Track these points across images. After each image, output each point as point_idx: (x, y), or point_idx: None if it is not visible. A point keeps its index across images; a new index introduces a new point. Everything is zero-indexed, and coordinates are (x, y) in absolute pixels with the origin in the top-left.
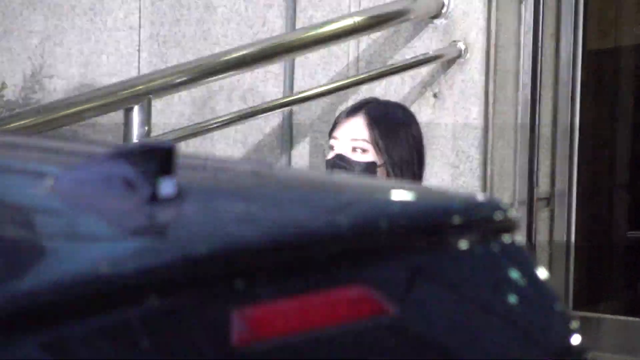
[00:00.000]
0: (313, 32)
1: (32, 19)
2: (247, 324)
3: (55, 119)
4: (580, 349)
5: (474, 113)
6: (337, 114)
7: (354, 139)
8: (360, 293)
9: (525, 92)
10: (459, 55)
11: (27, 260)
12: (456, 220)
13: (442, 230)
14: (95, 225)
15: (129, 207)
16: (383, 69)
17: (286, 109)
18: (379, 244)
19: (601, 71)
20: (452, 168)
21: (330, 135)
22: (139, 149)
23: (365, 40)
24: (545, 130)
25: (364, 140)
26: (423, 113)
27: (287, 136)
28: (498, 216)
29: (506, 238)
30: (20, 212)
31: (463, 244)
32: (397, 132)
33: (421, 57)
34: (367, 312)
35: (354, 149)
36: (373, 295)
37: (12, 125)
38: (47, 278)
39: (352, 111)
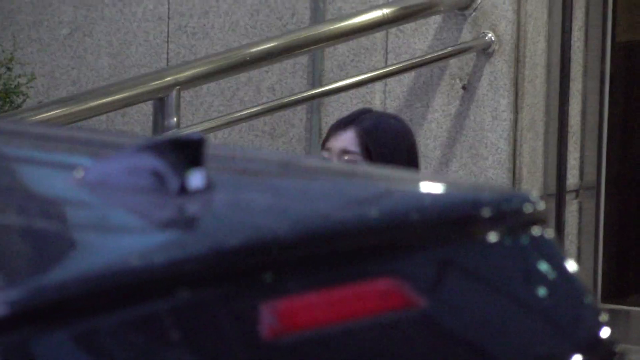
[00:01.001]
0: (342, 24)
1: (61, 9)
2: (276, 316)
3: (84, 110)
4: (609, 341)
5: (503, 105)
6: (365, 105)
7: (345, 151)
8: (390, 286)
9: (554, 85)
10: (488, 47)
11: (57, 252)
12: (486, 212)
13: (472, 222)
14: (124, 218)
15: (158, 199)
16: (412, 61)
17: (314, 100)
18: (409, 236)
19: (631, 63)
20: (481, 160)
21: (322, 146)
22: (168, 141)
23: (394, 32)
24: (574, 122)
25: (356, 152)
26: (452, 105)
27: (315, 128)
28: (527, 209)
29: (535, 230)
30: (51, 205)
31: (492, 237)
32: (390, 143)
33: (450, 49)
34: (396, 304)
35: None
36: (402, 288)
37: (41, 116)
38: (77, 270)
39: (345, 123)
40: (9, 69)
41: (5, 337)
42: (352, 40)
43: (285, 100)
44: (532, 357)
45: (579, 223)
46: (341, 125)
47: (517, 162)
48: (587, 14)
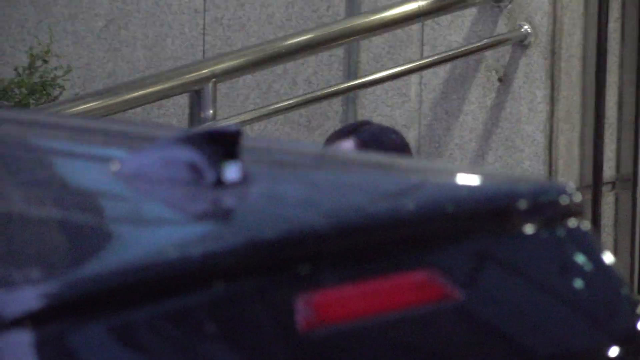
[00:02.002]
0: (378, 16)
1: (97, 2)
2: (312, 309)
3: (120, 103)
4: None
5: (539, 97)
6: (401, 98)
7: None
8: (426, 278)
9: (590, 76)
10: (524, 39)
11: (94, 245)
12: (522, 204)
13: (508, 214)
14: (161, 210)
15: (194, 191)
16: (448, 53)
17: (350, 93)
18: (445, 228)
19: None
20: (517, 152)
21: None
22: (204, 134)
23: (430, 24)
24: (610, 114)
25: None
26: (488, 97)
27: (351, 120)
28: (564, 200)
29: (572, 222)
30: (87, 197)
31: (529, 229)
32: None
33: (486, 41)
34: (432, 296)
35: None
36: (438, 280)
37: (77, 108)
38: (114, 263)
39: (344, 133)
40: (45, 61)
41: (43, 329)
42: (387, 33)
43: (321, 92)
44: (569, 350)
45: (615, 215)
46: (341, 134)
47: (553, 154)
48: (623, 5)
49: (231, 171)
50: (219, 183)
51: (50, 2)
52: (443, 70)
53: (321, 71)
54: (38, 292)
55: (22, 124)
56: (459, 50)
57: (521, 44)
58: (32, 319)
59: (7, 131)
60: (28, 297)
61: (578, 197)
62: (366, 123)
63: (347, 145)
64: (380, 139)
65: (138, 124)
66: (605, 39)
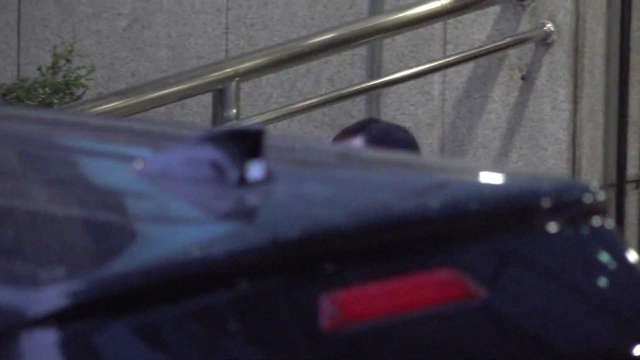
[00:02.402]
0: (400, 15)
1: (120, 1)
2: (336, 307)
3: (144, 102)
4: None
5: (562, 95)
6: (424, 97)
7: None
8: (450, 276)
9: (613, 74)
10: (547, 38)
11: (118, 244)
12: (546, 202)
13: (532, 213)
14: (184, 209)
15: (218, 190)
16: (471, 52)
17: (373, 91)
18: (469, 227)
19: None
20: (540, 150)
21: None
22: (228, 133)
23: (453, 23)
24: (634, 112)
25: None
26: (511, 95)
27: None
28: (587, 199)
29: (596, 221)
30: (111, 196)
31: (553, 227)
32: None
33: (509, 40)
34: (456, 295)
35: None
36: (462, 279)
37: (100, 107)
38: (138, 262)
39: (352, 131)
40: (68, 60)
41: (68, 328)
42: (410, 31)
43: (344, 91)
44: (593, 348)
45: (639, 213)
46: (349, 132)
47: (577, 152)
48: None
49: (254, 170)
50: (242, 182)
51: (74, 1)
52: (466, 69)
53: (344, 70)
54: (63, 291)
55: (47, 124)
56: (482, 48)
57: (544, 42)
58: (57, 318)
59: (32, 130)
60: (53, 296)
61: (602, 196)
62: (374, 121)
63: (356, 143)
64: (389, 137)
65: (161, 123)
66: (629, 36)
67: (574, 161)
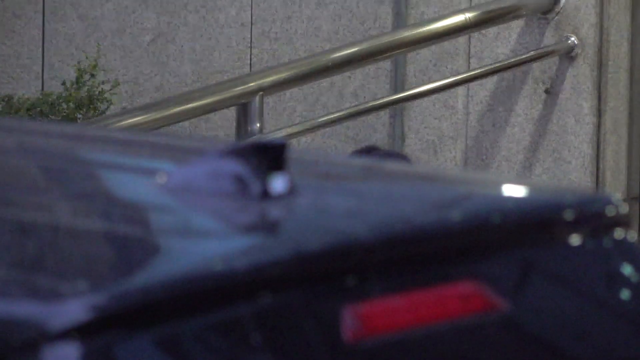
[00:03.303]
0: (424, 29)
1: (144, 16)
2: (358, 320)
3: (168, 116)
4: None
5: (586, 109)
6: (448, 110)
7: None
8: (472, 289)
9: (637, 87)
10: (571, 51)
11: (141, 257)
12: (568, 215)
13: (554, 225)
14: (207, 222)
15: (241, 203)
16: (495, 65)
17: (397, 105)
18: (491, 239)
19: None
20: (564, 164)
21: None
22: (250, 146)
23: (477, 36)
24: None
25: None
26: (535, 109)
27: (398, 132)
28: (610, 211)
29: (618, 233)
30: (134, 210)
31: (575, 239)
32: None
33: (533, 53)
34: (479, 307)
35: None
36: (485, 291)
37: (125, 122)
38: (161, 275)
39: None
40: (92, 75)
41: (91, 341)
42: (434, 45)
43: (368, 105)
44: None
45: None
46: None
47: (601, 165)
48: None
49: (277, 183)
50: (266, 195)
51: (98, 16)
52: (490, 82)
53: (368, 84)
54: (85, 304)
55: (71, 138)
56: (506, 62)
57: (568, 55)
58: (80, 331)
59: (56, 145)
60: (75, 309)
61: (624, 208)
62: (374, 148)
63: None
64: None
65: (185, 137)
66: None
67: (597, 174)
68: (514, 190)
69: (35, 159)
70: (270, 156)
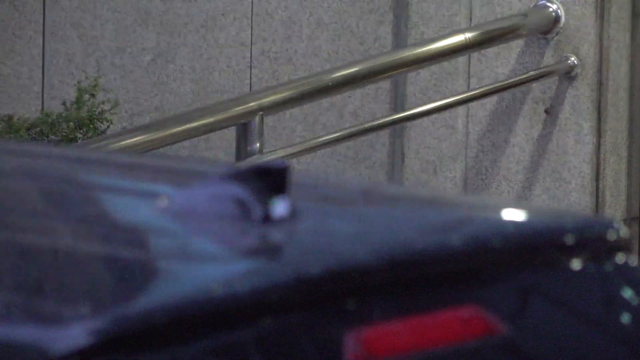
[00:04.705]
0: (424, 49)
1: (144, 36)
2: (360, 344)
3: (168, 136)
4: None
5: (586, 129)
6: (448, 130)
7: None
8: (473, 313)
9: (637, 107)
10: (571, 71)
11: (142, 281)
12: (569, 239)
13: (555, 249)
14: (208, 246)
15: (242, 227)
16: (494, 85)
17: (397, 125)
18: (491, 263)
19: None
20: (563, 184)
21: None
22: (252, 169)
23: (477, 56)
24: None
25: None
26: (534, 129)
27: (398, 152)
28: (611, 235)
29: (619, 257)
30: (135, 233)
31: (575, 264)
32: None
33: (532, 73)
34: (479, 332)
35: None
36: (485, 315)
37: (125, 142)
38: (162, 299)
39: None
40: (92, 95)
41: None
42: (434, 65)
43: (368, 125)
44: None
45: None
46: None
47: (600, 185)
48: None
49: (279, 207)
50: (267, 219)
51: (98, 36)
52: (490, 103)
53: (368, 104)
54: (86, 328)
55: (71, 161)
56: (506, 82)
57: (568, 75)
58: (81, 355)
59: (56, 168)
60: (77, 333)
61: (625, 232)
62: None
63: None
64: None
65: (186, 159)
66: None
67: (597, 194)
68: (514, 214)
69: (36, 182)
70: (271, 180)
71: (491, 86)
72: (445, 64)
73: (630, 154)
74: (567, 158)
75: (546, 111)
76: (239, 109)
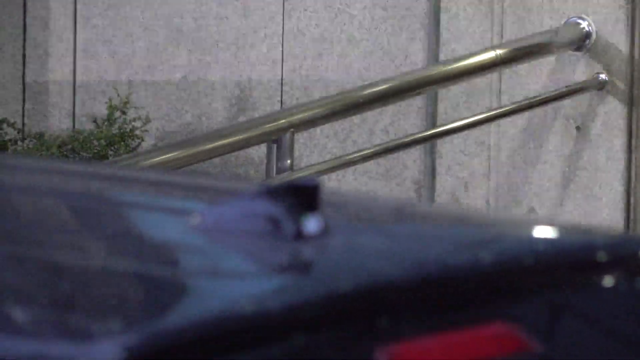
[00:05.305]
0: (455, 65)
1: (175, 53)
2: None
3: (199, 153)
4: None
5: (617, 145)
6: (479, 147)
7: None
8: (504, 330)
9: None
10: (602, 87)
11: (173, 297)
12: (600, 257)
13: (587, 267)
14: (240, 263)
15: (274, 244)
16: (526, 102)
17: (428, 142)
18: (523, 281)
19: None
20: (595, 200)
21: None
22: (284, 187)
23: (508, 73)
24: None
25: None
26: (566, 145)
27: (429, 169)
28: None
29: None
30: (166, 250)
31: (607, 281)
32: None
33: (564, 89)
34: (510, 349)
35: None
36: (517, 332)
37: (156, 159)
38: (193, 315)
39: None
40: (124, 112)
41: None
42: (465, 82)
43: (399, 141)
44: None
45: None
46: None
47: (632, 202)
48: None
49: (310, 224)
50: (298, 236)
51: (130, 54)
52: (521, 119)
53: (399, 120)
54: (117, 345)
55: (102, 178)
56: (537, 98)
57: (599, 91)
58: None
59: (88, 185)
60: (108, 350)
61: None
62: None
63: None
64: None
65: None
66: None
67: (628, 211)
68: (545, 232)
69: (69, 199)
70: (303, 197)
71: (522, 103)
72: (477, 81)
73: None
74: (598, 174)
75: (577, 128)
76: (270, 126)
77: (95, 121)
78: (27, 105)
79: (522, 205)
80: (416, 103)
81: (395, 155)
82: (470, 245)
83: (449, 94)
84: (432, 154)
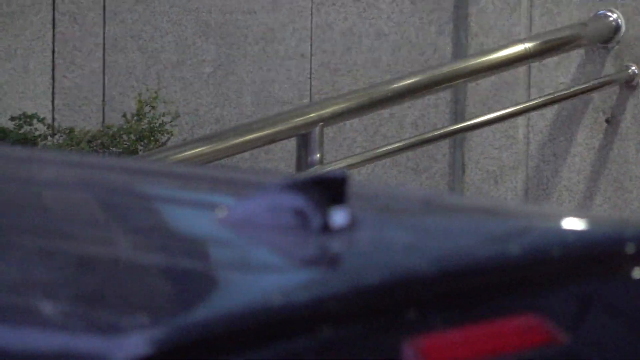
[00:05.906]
0: (484, 59)
1: (204, 48)
2: (419, 354)
3: (228, 147)
4: None
5: None
6: (508, 140)
7: None
8: (532, 322)
9: None
10: (631, 80)
11: (201, 291)
12: (630, 248)
13: (615, 258)
14: (267, 256)
15: (301, 237)
16: (555, 95)
17: (457, 135)
18: (552, 273)
19: None
20: (625, 193)
21: None
22: (311, 180)
23: (537, 66)
24: None
25: None
26: (595, 138)
27: (458, 163)
28: None
29: None
30: (194, 244)
31: (636, 273)
32: None
33: (593, 82)
34: (539, 341)
35: None
36: (545, 324)
37: (185, 153)
38: (221, 308)
39: None
40: (153, 107)
41: None
42: (494, 75)
43: (428, 135)
44: None
45: None
46: None
47: None
48: None
49: (338, 217)
50: (326, 229)
51: (158, 48)
52: (550, 112)
53: (428, 114)
54: (146, 338)
55: (130, 172)
56: (566, 91)
57: (628, 84)
58: None
59: (117, 179)
60: (136, 343)
61: None
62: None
63: None
64: None
65: (245, 170)
66: None
67: None
68: (575, 224)
69: (96, 193)
70: (331, 190)
71: (552, 96)
72: (505, 74)
73: None
74: (628, 167)
75: (607, 120)
76: (299, 120)
77: (124, 116)
78: (56, 101)
79: (552, 198)
80: (445, 96)
81: (424, 148)
82: (499, 237)
83: (478, 88)
84: (461, 148)
